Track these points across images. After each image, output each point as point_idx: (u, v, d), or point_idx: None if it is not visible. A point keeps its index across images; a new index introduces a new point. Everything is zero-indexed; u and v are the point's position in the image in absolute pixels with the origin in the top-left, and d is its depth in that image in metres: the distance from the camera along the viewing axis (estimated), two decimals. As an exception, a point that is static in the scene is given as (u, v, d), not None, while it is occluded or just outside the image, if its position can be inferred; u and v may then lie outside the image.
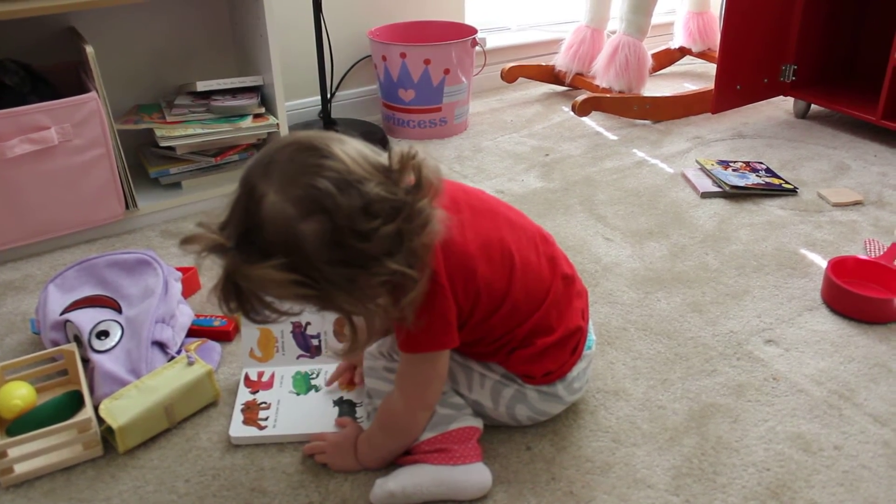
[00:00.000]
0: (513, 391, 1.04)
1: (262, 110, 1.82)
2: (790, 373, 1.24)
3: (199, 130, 1.73)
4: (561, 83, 2.60)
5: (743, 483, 1.02)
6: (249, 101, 1.80)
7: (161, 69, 1.89)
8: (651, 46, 2.53)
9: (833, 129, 2.24)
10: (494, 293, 0.96)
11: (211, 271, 0.83)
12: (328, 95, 2.09)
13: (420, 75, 2.13)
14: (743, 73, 2.19)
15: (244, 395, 1.17)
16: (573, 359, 1.06)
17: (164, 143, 1.70)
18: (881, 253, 1.54)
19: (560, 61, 2.54)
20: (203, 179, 1.80)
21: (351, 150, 0.82)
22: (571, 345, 1.05)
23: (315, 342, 1.23)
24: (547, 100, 2.55)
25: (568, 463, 1.05)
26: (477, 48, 2.24)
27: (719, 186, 1.85)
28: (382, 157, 0.84)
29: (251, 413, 1.13)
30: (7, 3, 1.46)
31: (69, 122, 1.51)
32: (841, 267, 1.44)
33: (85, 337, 1.17)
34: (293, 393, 1.17)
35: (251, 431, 1.09)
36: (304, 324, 1.22)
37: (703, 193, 1.84)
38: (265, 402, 1.15)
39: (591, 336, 1.11)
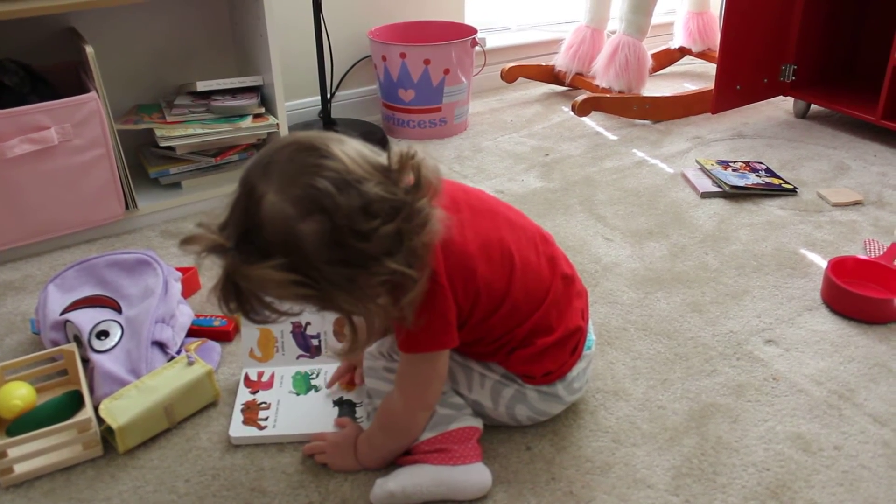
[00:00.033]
0: (513, 391, 1.04)
1: (262, 110, 1.82)
2: (790, 373, 1.24)
3: (199, 130, 1.73)
4: (561, 83, 2.60)
5: (743, 483, 1.02)
6: (249, 101, 1.81)
7: (161, 69, 1.89)
8: (651, 46, 2.53)
9: (833, 129, 2.24)
10: (494, 293, 0.96)
11: (211, 271, 0.83)
12: (328, 95, 2.09)
13: (420, 75, 2.13)
14: (743, 73, 2.19)
15: (244, 395, 1.17)
16: (573, 359, 1.06)
17: (164, 143, 1.70)
18: (881, 253, 1.54)
19: (560, 61, 2.54)
20: (203, 179, 1.80)
21: (350, 150, 0.82)
22: (571, 345, 1.05)
23: (315, 342, 1.23)
24: (547, 100, 2.55)
25: (568, 463, 1.05)
26: (477, 48, 2.24)
27: (719, 186, 1.85)
28: (382, 157, 0.84)
29: (251, 413, 1.13)
30: (7, 3, 1.46)
31: (69, 122, 1.51)
32: (841, 267, 1.44)
33: (85, 337, 1.17)
34: (293, 393, 1.17)
35: (251, 431, 1.09)
36: (303, 324, 1.22)
37: (702, 193, 1.84)
38: (265, 402, 1.15)
39: (591, 336, 1.11)
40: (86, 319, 1.20)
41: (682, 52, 2.77)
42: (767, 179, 1.88)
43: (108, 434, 1.07)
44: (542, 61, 2.61)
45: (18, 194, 1.51)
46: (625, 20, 2.30)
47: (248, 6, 1.78)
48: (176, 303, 1.28)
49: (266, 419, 1.12)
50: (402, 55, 2.10)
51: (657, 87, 2.59)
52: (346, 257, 0.79)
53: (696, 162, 1.99)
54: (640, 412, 1.15)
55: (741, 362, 1.26)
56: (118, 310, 1.24)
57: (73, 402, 1.13)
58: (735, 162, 1.98)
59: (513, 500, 1.00)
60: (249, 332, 1.23)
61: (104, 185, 1.60)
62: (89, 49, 1.53)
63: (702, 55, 2.72)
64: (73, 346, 1.19)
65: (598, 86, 2.37)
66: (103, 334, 1.18)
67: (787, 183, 1.88)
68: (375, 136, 2.14)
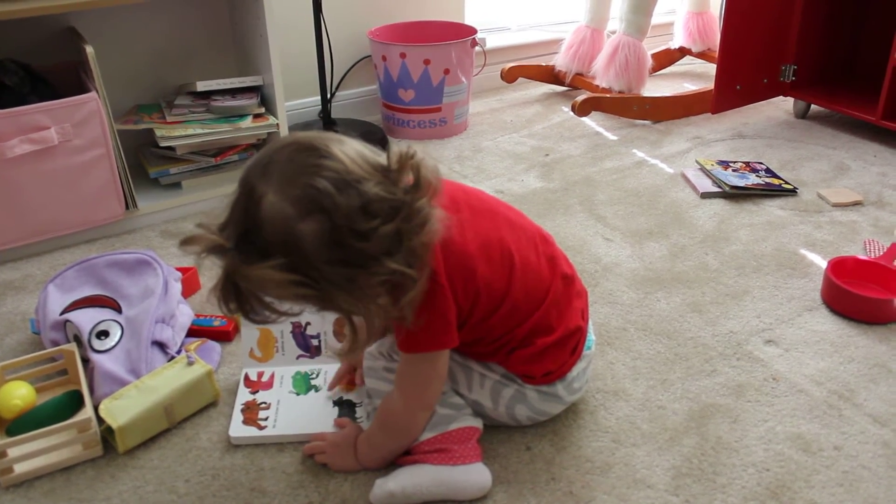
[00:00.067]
0: (512, 391, 1.04)
1: (262, 110, 1.82)
2: (790, 373, 1.24)
3: (199, 130, 1.73)
4: (561, 83, 2.60)
5: (743, 483, 1.02)
6: (249, 102, 1.81)
7: (161, 69, 1.89)
8: (651, 46, 2.53)
9: (833, 130, 2.24)
10: (494, 293, 0.96)
11: (211, 271, 0.83)
12: (328, 95, 2.09)
13: (420, 75, 2.13)
14: (743, 73, 2.19)
15: (244, 395, 1.17)
16: (573, 359, 1.06)
17: (164, 143, 1.70)
18: (881, 253, 1.54)
19: (560, 61, 2.54)
20: (203, 179, 1.80)
21: (349, 150, 0.82)
22: (571, 345, 1.05)
23: (315, 342, 1.23)
24: (547, 100, 2.55)
25: (568, 463, 1.05)
26: (477, 48, 2.24)
27: (719, 186, 1.85)
28: (381, 157, 0.84)
29: (251, 413, 1.13)
30: (7, 3, 1.46)
31: (69, 122, 1.51)
32: (841, 267, 1.44)
33: (85, 337, 1.17)
34: (293, 393, 1.17)
35: (251, 431, 1.09)
36: (303, 324, 1.23)
37: (702, 194, 1.84)
38: (265, 402, 1.15)
39: (591, 336, 1.11)
40: (86, 319, 1.20)
41: (682, 52, 2.77)
42: (767, 180, 1.88)
43: (108, 434, 1.07)
44: (542, 61, 2.61)
45: (18, 194, 1.51)
46: (625, 20, 2.30)
47: (248, 6, 1.78)
48: (176, 303, 1.28)
49: (266, 419, 1.12)
50: (402, 55, 2.10)
51: (657, 88, 2.59)
52: (345, 257, 0.79)
53: (697, 162, 1.99)
54: (640, 412, 1.15)
55: (741, 362, 1.26)
56: (118, 310, 1.24)
57: (73, 402, 1.13)
58: (735, 162, 1.98)
59: (513, 500, 1.00)
60: (249, 333, 1.23)
61: (104, 185, 1.60)
62: (89, 49, 1.53)
63: (702, 55, 2.72)
64: (73, 346, 1.19)
65: (598, 86, 2.37)
66: (103, 334, 1.18)
67: (787, 183, 1.88)
68: (375, 136, 2.14)
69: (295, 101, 2.18)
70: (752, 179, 1.87)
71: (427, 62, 2.11)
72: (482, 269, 0.94)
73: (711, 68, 2.48)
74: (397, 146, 0.84)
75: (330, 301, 0.83)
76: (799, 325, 1.36)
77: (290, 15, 2.07)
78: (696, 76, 2.75)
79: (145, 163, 1.79)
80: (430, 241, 0.84)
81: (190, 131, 1.72)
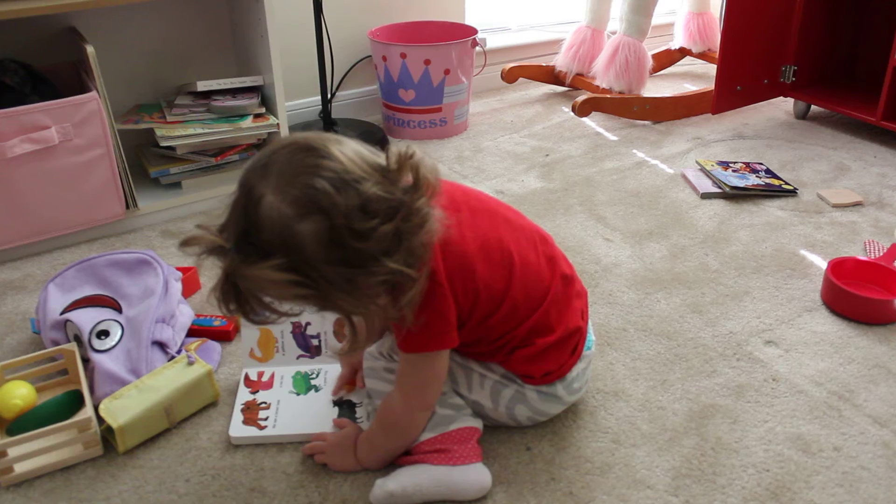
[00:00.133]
0: (512, 391, 1.04)
1: (263, 110, 1.82)
2: (790, 374, 1.24)
3: (200, 130, 1.73)
4: (561, 84, 2.60)
5: (742, 484, 1.02)
6: (250, 101, 1.81)
7: (161, 69, 1.89)
8: (651, 47, 2.53)
9: (833, 130, 2.24)
10: (494, 293, 0.96)
11: (211, 271, 0.83)
12: (328, 95, 2.09)
13: (420, 75, 2.13)
14: (743, 73, 2.19)
15: (244, 395, 1.17)
16: (573, 359, 1.06)
17: (164, 143, 1.71)
18: (881, 254, 1.54)
19: (560, 62, 2.54)
20: (203, 179, 1.80)
21: (348, 150, 0.82)
22: (571, 345, 1.05)
23: (315, 342, 1.23)
24: (547, 100, 2.55)
25: (567, 463, 1.05)
26: (477, 48, 2.24)
27: (719, 187, 1.85)
28: (380, 157, 0.84)
29: (251, 413, 1.13)
30: (7, 3, 1.46)
31: (69, 122, 1.51)
32: (841, 268, 1.45)
33: (85, 336, 1.17)
34: (293, 393, 1.17)
35: (251, 431, 1.09)
36: (304, 324, 1.23)
37: (702, 194, 1.84)
38: (265, 402, 1.15)
39: (591, 336, 1.12)
40: (86, 319, 1.20)
41: (683, 52, 2.77)
42: (767, 180, 1.88)
43: (108, 434, 1.07)
44: (543, 62, 2.61)
45: (19, 194, 1.51)
46: (625, 21, 2.31)
47: (249, 6, 1.78)
48: (176, 302, 1.28)
49: (266, 419, 1.12)
50: (403, 55, 2.11)
51: (657, 88, 2.59)
52: (344, 257, 0.79)
53: (697, 162, 1.99)
54: (640, 413, 1.15)
55: (741, 363, 1.26)
56: (118, 309, 1.24)
57: (73, 402, 1.13)
58: (735, 163, 1.98)
59: (512, 500, 1.00)
60: (249, 333, 1.23)
61: (104, 185, 1.60)
62: (90, 49, 1.53)
63: (702, 56, 2.72)
64: (73, 346, 1.19)
65: (598, 86, 2.38)
66: (103, 334, 1.18)
67: (787, 184, 1.88)
68: (376, 136, 2.14)
69: (295, 101, 2.18)
70: (752, 180, 1.87)
71: (427, 62, 2.11)
72: (482, 269, 0.94)
73: (712, 69, 2.48)
74: (396, 146, 0.84)
75: (329, 301, 0.83)
76: (799, 325, 1.36)
77: (291, 15, 2.08)
78: (697, 77, 2.75)
79: (145, 162, 1.80)
80: (429, 241, 0.84)
81: (190, 131, 1.72)
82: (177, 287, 1.31)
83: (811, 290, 1.46)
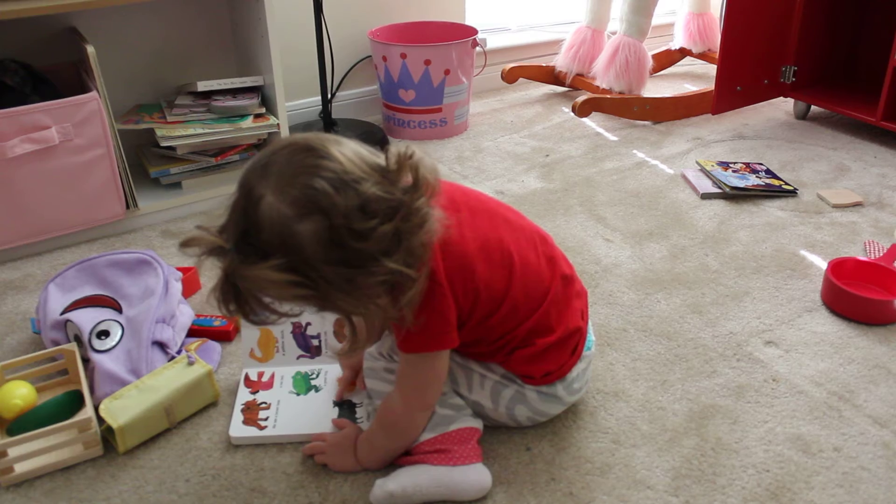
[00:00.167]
0: (512, 392, 1.04)
1: (263, 110, 1.82)
2: (790, 374, 1.24)
3: (200, 130, 1.73)
4: (561, 84, 2.60)
5: (742, 484, 1.02)
6: (250, 102, 1.81)
7: (161, 69, 1.89)
8: (651, 47, 2.53)
9: (833, 131, 2.24)
10: (494, 293, 0.96)
11: (211, 271, 0.83)
12: (329, 96, 2.09)
13: (420, 76, 2.13)
14: (743, 74, 2.19)
15: (244, 395, 1.17)
16: (573, 359, 1.06)
17: (164, 143, 1.71)
18: (881, 254, 1.54)
19: (560, 62, 2.54)
20: (203, 179, 1.80)
21: (348, 150, 0.82)
22: (571, 345, 1.05)
23: (315, 342, 1.23)
24: (547, 100, 2.55)
25: (567, 464, 1.05)
26: (477, 49, 2.24)
27: (719, 187, 1.85)
28: (379, 158, 0.84)
29: (251, 413, 1.13)
30: (7, 3, 1.46)
31: (70, 122, 1.51)
32: (841, 268, 1.45)
33: (85, 336, 1.17)
34: (293, 393, 1.17)
35: (251, 431, 1.09)
36: (304, 324, 1.23)
37: (703, 194, 1.84)
38: (265, 403, 1.15)
39: (591, 337, 1.12)
40: (86, 319, 1.20)
41: (683, 53, 2.77)
42: (767, 180, 1.88)
43: (108, 434, 1.07)
44: (543, 62, 2.62)
45: (19, 194, 1.51)
46: (625, 21, 2.31)
47: (249, 6, 1.78)
48: (176, 303, 1.28)
49: (266, 419, 1.12)
50: (403, 55, 2.11)
51: (657, 88, 2.59)
52: (344, 257, 0.79)
53: (697, 163, 1.99)
54: (640, 413, 1.15)
55: (741, 363, 1.26)
56: (118, 309, 1.24)
57: (73, 402, 1.13)
58: (735, 163, 1.98)
59: (512, 500, 1.00)
60: (250, 333, 1.23)
61: (105, 185, 1.60)
62: (90, 49, 1.53)
63: (702, 56, 2.72)
64: (73, 346, 1.19)
65: (598, 87, 2.38)
66: (104, 334, 1.19)
67: (787, 184, 1.88)
68: (376, 136, 2.14)
69: (295, 102, 2.18)
70: (752, 180, 1.87)
71: (427, 62, 2.11)
72: (482, 269, 0.94)
73: (712, 69, 2.48)
74: (395, 146, 0.84)
75: (329, 301, 0.83)
76: (799, 326, 1.36)
77: (291, 15, 2.08)
78: (697, 77, 2.75)
79: (146, 162, 1.80)
80: (428, 241, 0.84)
81: (190, 131, 1.72)
82: (177, 287, 1.31)
83: (811, 291, 1.46)
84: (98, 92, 1.54)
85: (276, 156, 0.81)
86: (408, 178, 0.83)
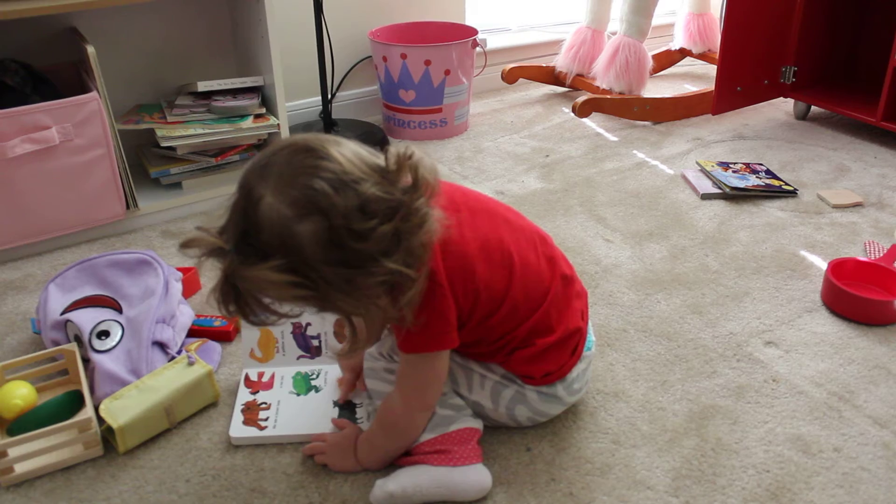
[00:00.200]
0: (513, 392, 1.04)
1: (263, 111, 1.83)
2: (790, 374, 1.24)
3: (200, 130, 1.73)
4: (561, 84, 2.60)
5: (742, 485, 1.02)
6: (250, 102, 1.81)
7: (162, 69, 1.89)
8: (651, 48, 2.53)
9: (833, 131, 2.24)
10: (494, 293, 0.96)
11: (211, 272, 0.83)
12: (329, 96, 2.09)
13: (421, 76, 2.13)
14: (743, 74, 2.19)
15: (244, 395, 1.17)
16: (573, 360, 1.06)
17: (164, 143, 1.71)
18: (881, 255, 1.54)
19: (560, 62, 2.54)
20: (203, 179, 1.80)
21: (347, 151, 0.82)
22: (571, 345, 1.05)
23: (315, 343, 1.23)
24: (547, 101, 2.55)
25: (568, 464, 1.05)
26: (477, 49, 2.24)
27: (719, 188, 1.85)
28: (379, 158, 0.84)
29: (251, 413, 1.13)
30: (7, 3, 1.46)
31: (70, 122, 1.51)
32: (841, 269, 1.45)
33: (85, 337, 1.17)
34: (293, 393, 1.17)
35: (251, 432, 1.09)
36: (304, 324, 1.23)
37: (703, 195, 1.84)
38: (265, 403, 1.15)
39: (591, 337, 1.12)
40: (86, 319, 1.20)
41: (683, 53, 2.77)
42: (767, 181, 1.88)
43: (108, 434, 1.07)
44: (543, 62, 2.62)
45: (19, 194, 1.51)
46: (625, 21, 2.31)
47: (249, 6, 1.78)
48: (177, 303, 1.28)
49: (266, 419, 1.12)
50: (403, 56, 2.11)
51: (658, 89, 2.59)
52: (344, 258, 0.79)
53: (697, 163, 1.99)
54: (640, 413, 1.15)
55: (741, 364, 1.26)
56: (119, 310, 1.24)
57: (73, 402, 1.13)
58: (735, 163, 1.98)
59: (512, 501, 1.00)
60: (250, 333, 1.23)
61: (105, 185, 1.60)
62: (90, 49, 1.53)
63: (702, 56, 2.72)
64: (73, 346, 1.19)
65: (598, 87, 2.38)
66: (104, 334, 1.19)
67: (787, 184, 1.88)
68: (376, 136, 2.14)
69: (296, 102, 2.18)
70: (752, 181, 1.87)
71: (428, 63, 2.11)
72: (482, 269, 0.94)
73: (712, 69, 2.48)
74: (395, 146, 0.84)
75: (329, 302, 0.83)
76: (799, 326, 1.36)
77: (291, 15, 2.08)
78: (697, 77, 2.75)
79: (146, 163, 1.80)
80: (428, 241, 0.84)
81: (191, 131, 1.72)
82: (177, 287, 1.31)
83: (811, 291, 1.46)
84: (98, 92, 1.54)
85: (275, 156, 0.81)
86: (407, 179, 0.83)
